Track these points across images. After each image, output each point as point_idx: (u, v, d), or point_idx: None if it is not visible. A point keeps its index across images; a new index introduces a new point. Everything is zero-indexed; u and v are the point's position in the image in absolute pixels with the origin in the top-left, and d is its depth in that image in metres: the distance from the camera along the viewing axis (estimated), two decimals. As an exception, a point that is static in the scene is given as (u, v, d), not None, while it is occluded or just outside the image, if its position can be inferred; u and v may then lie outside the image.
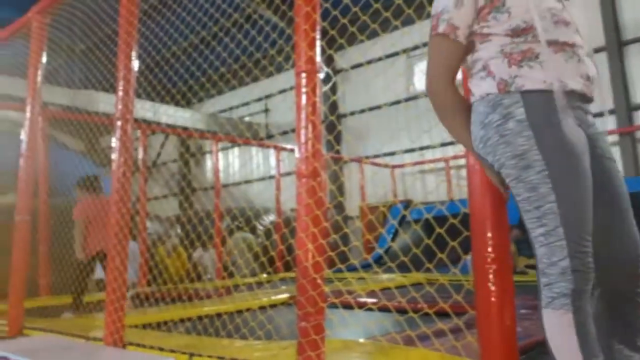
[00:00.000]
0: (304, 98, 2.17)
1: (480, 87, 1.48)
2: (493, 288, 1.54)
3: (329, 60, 10.55)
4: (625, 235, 1.45)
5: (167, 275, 6.72)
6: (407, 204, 9.40)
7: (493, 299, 1.54)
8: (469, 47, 1.52)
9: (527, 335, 2.34)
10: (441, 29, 1.50)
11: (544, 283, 1.36)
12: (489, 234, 1.58)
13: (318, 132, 2.17)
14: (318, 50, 2.23)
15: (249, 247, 7.88)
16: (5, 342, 3.24)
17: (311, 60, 2.19)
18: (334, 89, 11.52)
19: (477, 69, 1.50)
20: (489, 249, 1.56)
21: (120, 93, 3.20)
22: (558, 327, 1.33)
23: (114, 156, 3.15)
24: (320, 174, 2.13)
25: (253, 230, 8.61)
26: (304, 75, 2.19)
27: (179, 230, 8.36)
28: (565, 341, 1.32)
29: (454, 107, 1.54)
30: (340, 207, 10.30)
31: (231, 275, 7.20)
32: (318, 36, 2.23)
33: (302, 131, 2.15)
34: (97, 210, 4.53)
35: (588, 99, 1.48)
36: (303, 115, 2.16)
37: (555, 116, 1.36)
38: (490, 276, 1.55)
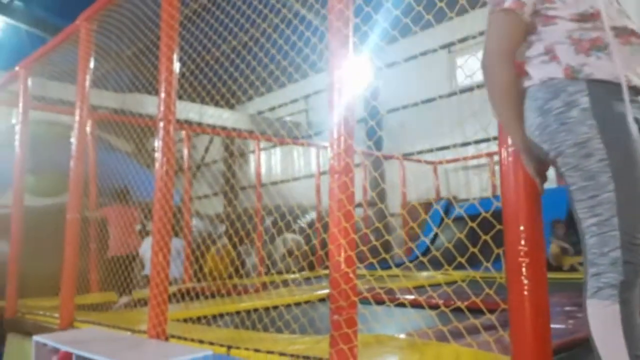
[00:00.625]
0: (336, 94, 2.19)
1: (542, 71, 1.44)
2: (526, 282, 1.51)
3: (368, 58, 10.52)
4: None
5: (215, 273, 6.91)
6: (449, 201, 9.25)
7: (526, 293, 1.50)
8: (529, 28, 1.48)
9: (571, 332, 2.27)
10: (507, 4, 1.45)
11: (592, 273, 1.33)
12: (522, 227, 1.55)
13: (350, 129, 2.18)
14: (351, 46, 2.24)
15: (297, 247, 7.96)
16: (56, 334, 3.41)
17: (344, 57, 2.21)
18: (375, 86, 11.46)
19: (538, 52, 1.46)
20: (522, 242, 1.53)
21: (163, 94, 3.31)
22: (603, 319, 1.30)
23: (157, 155, 3.27)
24: (352, 170, 2.15)
25: (294, 229, 8.68)
26: (336, 72, 2.21)
27: (224, 228, 8.52)
28: (610, 333, 1.29)
29: (508, 87, 1.49)
30: (381, 205, 10.24)
31: (277, 272, 7.31)
32: (351, 33, 2.25)
33: (335, 127, 2.17)
34: (121, 218, 5.16)
35: None
36: (336, 112, 2.18)
37: (619, 108, 1.34)
38: (523, 270, 1.52)
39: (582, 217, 1.36)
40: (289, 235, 8.30)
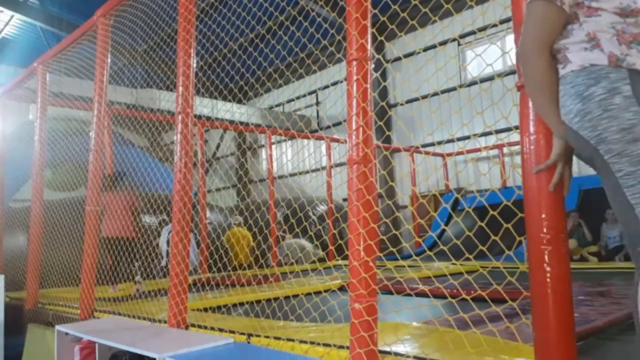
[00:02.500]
0: (355, 86, 2.21)
1: (583, 58, 1.45)
2: (548, 269, 1.52)
3: (379, 49, 10.49)
4: None
5: (233, 253, 7.00)
6: (460, 191, 9.24)
7: (549, 280, 1.51)
8: (569, 19, 1.49)
9: (587, 321, 2.28)
10: None
11: None
12: (544, 215, 1.55)
13: (369, 119, 2.20)
14: (369, 38, 2.26)
15: (305, 256, 7.98)
16: (78, 324, 3.49)
17: (362, 48, 2.22)
18: (384, 78, 11.43)
19: (579, 39, 1.46)
20: (544, 230, 1.54)
21: (181, 88, 3.35)
22: None
23: (175, 149, 3.31)
24: (371, 160, 2.17)
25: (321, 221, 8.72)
26: (355, 63, 2.23)
27: (235, 220, 8.58)
28: None
29: (544, 75, 1.51)
30: (391, 196, 10.25)
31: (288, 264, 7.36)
32: (369, 24, 2.26)
33: (354, 118, 2.19)
34: (107, 204, 5.44)
35: None
36: (354, 103, 2.20)
37: None
38: (546, 257, 1.53)
39: (635, 203, 1.35)
40: (298, 241, 8.32)
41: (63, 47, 5.06)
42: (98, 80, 4.41)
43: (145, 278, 5.00)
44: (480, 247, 1.76)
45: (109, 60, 4.40)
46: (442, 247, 2.03)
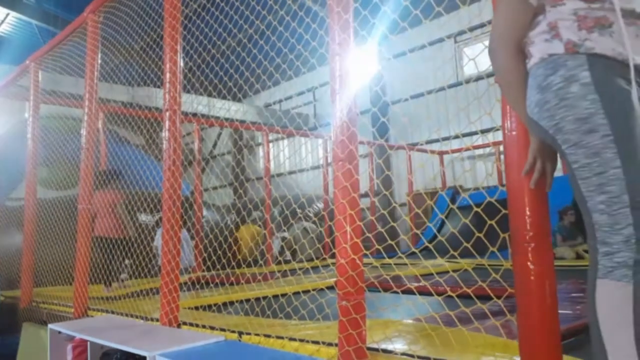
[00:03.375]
0: (338, 81, 2.18)
1: (543, 48, 1.42)
2: (532, 267, 1.51)
3: (375, 47, 10.46)
4: None
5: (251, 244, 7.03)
6: (455, 190, 9.24)
7: (532, 277, 1.50)
8: (537, 11, 1.47)
9: (578, 317, 2.28)
10: None
11: (604, 252, 1.29)
12: (527, 212, 1.55)
13: (353, 116, 2.17)
14: (352, 32, 2.23)
15: (314, 236, 8.02)
16: (71, 322, 3.48)
17: (345, 42, 2.19)
18: (380, 77, 11.42)
19: (541, 31, 1.44)
20: (527, 227, 1.53)
21: (167, 85, 3.33)
22: (613, 300, 1.27)
23: (164, 146, 3.30)
24: (356, 157, 2.14)
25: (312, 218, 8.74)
26: (337, 58, 2.19)
27: (232, 218, 8.59)
28: (618, 316, 1.26)
29: (512, 71, 1.49)
30: (387, 195, 10.26)
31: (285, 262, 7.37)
32: (351, 18, 2.23)
33: (337, 114, 2.16)
34: (99, 202, 5.41)
35: None
36: (337, 99, 2.17)
37: (622, 84, 1.31)
38: (529, 255, 1.52)
39: (587, 196, 1.33)
40: (306, 224, 8.38)
41: (54, 44, 5.04)
42: (88, 78, 4.39)
43: (136, 277, 5.00)
44: (466, 244, 1.75)
45: (99, 57, 4.38)
46: (431, 248, 2.02)
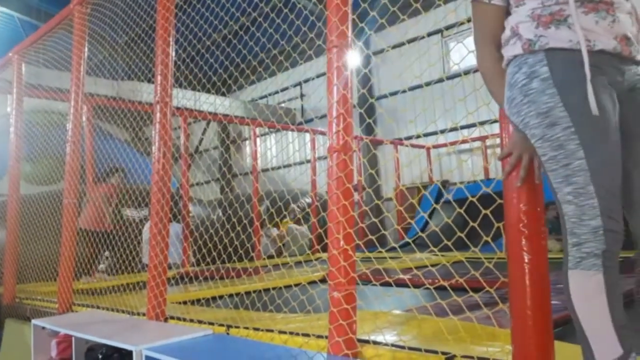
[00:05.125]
0: (335, 73, 2.18)
1: (509, 52, 1.48)
2: (526, 254, 1.51)
3: (365, 42, 10.47)
4: None
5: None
6: (443, 184, 9.29)
7: (526, 265, 1.51)
8: (509, 10, 1.51)
9: (566, 307, 2.29)
10: None
11: (573, 243, 1.32)
12: (522, 204, 1.55)
13: (349, 107, 2.18)
14: (350, 24, 2.23)
15: (303, 238, 8.00)
16: (55, 318, 3.43)
17: (343, 34, 2.20)
18: (370, 70, 11.43)
19: (508, 35, 1.49)
20: (521, 215, 1.53)
21: (159, 77, 3.29)
22: (586, 289, 1.29)
23: (154, 139, 3.25)
24: (351, 148, 2.15)
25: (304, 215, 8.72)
26: (335, 50, 2.20)
27: (220, 214, 8.52)
28: (594, 304, 1.28)
29: (490, 69, 1.55)
30: (375, 189, 10.27)
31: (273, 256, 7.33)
32: (350, 10, 2.23)
33: (334, 106, 2.16)
34: (92, 195, 5.43)
35: (627, 59, 1.41)
36: (335, 90, 2.18)
37: (581, 74, 1.32)
38: (523, 242, 1.52)
39: (556, 187, 1.36)
40: (293, 226, 8.35)
41: (39, 36, 4.94)
42: (75, 70, 4.32)
43: (115, 272, 4.98)
44: (459, 233, 1.75)
45: (86, 49, 4.31)
46: (424, 237, 2.02)
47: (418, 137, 9.47)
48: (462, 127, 9.53)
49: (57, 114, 6.58)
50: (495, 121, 1.70)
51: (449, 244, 1.79)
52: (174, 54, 3.35)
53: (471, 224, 1.73)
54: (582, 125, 1.31)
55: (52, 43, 4.96)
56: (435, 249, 1.91)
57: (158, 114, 3.25)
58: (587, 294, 1.29)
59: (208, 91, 11.41)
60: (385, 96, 10.94)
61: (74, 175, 4.19)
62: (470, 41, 1.63)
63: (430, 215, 8.32)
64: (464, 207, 1.78)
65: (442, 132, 9.87)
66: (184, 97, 10.39)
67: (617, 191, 1.32)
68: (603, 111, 1.31)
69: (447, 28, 10.17)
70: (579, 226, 1.31)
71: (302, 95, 13.66)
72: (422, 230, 7.75)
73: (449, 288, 1.78)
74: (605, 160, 1.30)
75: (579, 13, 1.36)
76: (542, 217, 1.56)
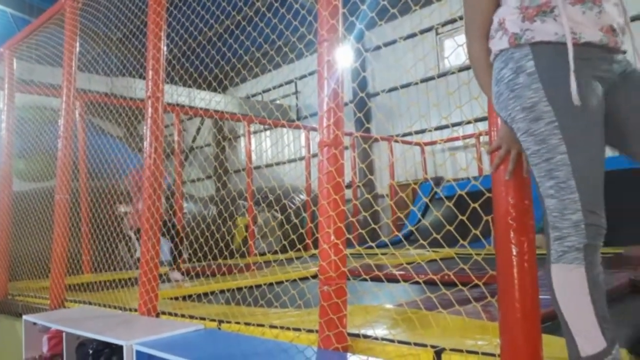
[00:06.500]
0: (325, 67, 2.18)
1: (496, 46, 1.47)
2: (514, 247, 1.51)
3: (359, 40, 10.45)
4: None
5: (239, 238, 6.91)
6: (438, 180, 9.30)
7: (514, 257, 1.51)
8: (498, 3, 1.50)
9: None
10: None
11: (555, 237, 1.32)
12: (510, 197, 1.55)
13: (340, 101, 2.18)
14: (340, 19, 2.23)
15: (279, 225, 7.99)
16: (46, 314, 3.41)
17: (333, 28, 2.19)
18: (363, 67, 11.42)
19: (495, 28, 1.48)
20: (510, 208, 1.53)
21: (150, 72, 3.28)
22: (569, 283, 1.29)
23: (145, 134, 3.24)
24: (342, 142, 2.15)
25: (284, 210, 8.69)
26: (326, 44, 2.20)
27: (213, 211, 8.51)
28: (576, 297, 1.29)
29: (480, 61, 1.54)
30: (370, 185, 10.28)
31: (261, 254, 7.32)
32: (340, 4, 2.23)
33: (325, 100, 2.16)
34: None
35: (613, 50, 1.41)
36: (325, 85, 2.17)
37: (566, 68, 1.32)
38: (511, 235, 1.52)
39: (539, 181, 1.37)
40: (269, 214, 8.33)
41: (30, 31, 4.91)
42: (66, 65, 4.29)
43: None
44: (449, 227, 1.75)
45: (77, 44, 4.28)
46: (415, 233, 2.02)
47: (410, 134, 9.47)
48: (454, 125, 9.56)
49: (50, 110, 6.54)
50: (486, 118, 1.70)
51: (439, 238, 1.79)
52: (165, 49, 3.34)
53: (460, 217, 1.73)
54: (566, 120, 1.31)
55: (44, 38, 4.93)
56: (426, 244, 1.91)
57: (150, 109, 3.24)
58: (570, 287, 1.30)
59: (203, 88, 11.38)
60: (379, 93, 10.95)
61: (66, 171, 4.17)
62: (463, 38, 1.63)
63: (424, 212, 8.33)
64: (452, 202, 1.78)
65: (436, 129, 9.90)
66: (177, 94, 10.35)
67: (600, 185, 1.32)
68: (586, 106, 1.31)
69: (443, 25, 10.17)
70: (561, 220, 1.31)
71: (296, 92, 13.64)
72: (416, 227, 7.76)
73: (438, 282, 1.78)
74: (587, 156, 1.31)
75: (566, 4, 1.35)
76: (530, 210, 1.56)
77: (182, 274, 4.87)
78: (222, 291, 3.32)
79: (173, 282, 4.55)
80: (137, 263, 5.33)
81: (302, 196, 9.08)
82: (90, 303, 3.59)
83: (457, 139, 9.68)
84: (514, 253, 1.50)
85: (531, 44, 1.37)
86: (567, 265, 1.30)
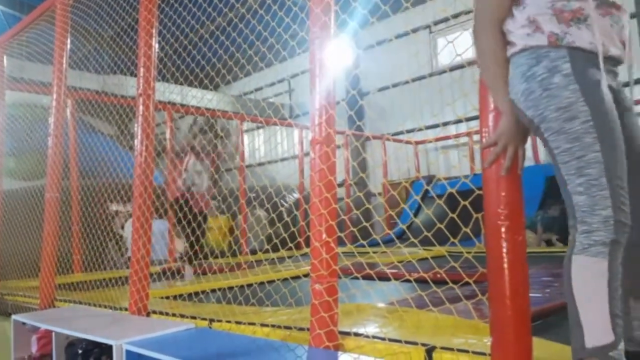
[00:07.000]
0: (318, 65, 2.17)
1: (525, 40, 1.46)
2: (505, 245, 1.50)
3: (354, 39, 10.45)
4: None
5: (213, 242, 6.81)
6: (430, 179, 9.31)
7: (505, 256, 1.50)
8: (516, 1, 1.50)
9: (548, 300, 2.31)
10: None
11: (583, 230, 1.36)
12: (503, 193, 1.54)
13: (332, 99, 2.17)
14: (333, 16, 2.21)
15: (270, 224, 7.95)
16: (36, 313, 3.38)
17: (325, 25, 2.18)
18: (357, 65, 11.40)
19: (521, 24, 1.48)
20: (501, 207, 1.53)
21: (142, 69, 3.25)
22: (589, 274, 1.33)
23: (136, 132, 3.22)
24: (333, 140, 2.14)
25: (275, 208, 8.66)
26: (317, 41, 2.18)
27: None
28: (594, 289, 1.32)
29: (495, 52, 1.53)
30: (362, 184, 10.27)
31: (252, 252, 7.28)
32: (332, 1, 2.22)
33: (317, 98, 2.15)
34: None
35: (620, 62, 1.50)
36: (317, 82, 2.16)
37: (597, 75, 1.39)
38: (503, 233, 1.51)
39: (568, 179, 1.39)
40: (260, 213, 8.30)
41: (21, 28, 4.87)
42: (57, 63, 4.26)
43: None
44: (439, 225, 1.75)
45: (68, 41, 4.25)
46: (407, 232, 2.02)
47: (401, 133, 9.48)
48: (445, 124, 9.58)
49: (41, 108, 6.48)
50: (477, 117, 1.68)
51: (430, 237, 1.79)
52: (157, 46, 3.32)
53: (450, 215, 1.72)
54: (600, 120, 1.36)
55: (34, 35, 4.88)
56: (417, 243, 1.91)
57: (141, 107, 3.22)
58: (589, 278, 1.33)
59: (196, 86, 11.32)
60: (370, 92, 10.94)
61: (57, 170, 4.13)
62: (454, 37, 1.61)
63: (417, 211, 8.34)
64: (444, 200, 1.77)
65: (428, 127, 9.91)
66: (170, 92, 10.29)
67: (625, 184, 1.37)
68: (613, 110, 1.39)
69: (436, 23, 10.19)
70: (591, 215, 1.35)
71: (290, 91, 13.61)
72: (409, 226, 7.77)
73: (429, 280, 1.77)
74: (617, 155, 1.37)
75: (597, 15, 1.40)
76: (522, 208, 1.56)
77: (195, 272, 4.47)
78: (213, 290, 3.30)
79: (186, 279, 4.18)
80: (128, 262, 5.31)
81: (294, 194, 9.07)
82: (80, 302, 3.56)
83: (449, 137, 9.70)
84: (505, 251, 1.50)
85: (568, 47, 1.40)
86: (591, 258, 1.34)
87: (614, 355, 1.29)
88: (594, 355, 1.31)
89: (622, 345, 1.31)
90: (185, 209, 4.06)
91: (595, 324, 1.31)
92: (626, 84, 1.62)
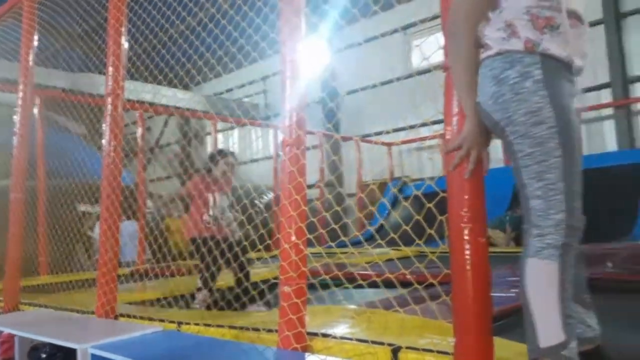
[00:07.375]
0: (288, 67, 2.17)
1: (500, 44, 1.48)
2: (468, 247, 1.53)
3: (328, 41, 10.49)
4: None
5: (173, 246, 6.70)
6: (401, 181, 9.40)
7: (467, 256, 1.53)
8: (494, 4, 1.51)
9: (512, 300, 2.36)
10: None
11: (535, 234, 1.40)
12: (466, 196, 1.57)
13: (302, 102, 2.17)
14: (303, 17, 2.22)
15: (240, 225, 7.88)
16: (-1, 316, 3.29)
17: (296, 27, 2.18)
18: (332, 67, 11.44)
19: (497, 27, 1.49)
20: (465, 209, 1.55)
21: (110, 68, 3.20)
22: (541, 276, 1.37)
23: (104, 132, 3.16)
24: (303, 142, 2.14)
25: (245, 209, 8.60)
26: (288, 43, 2.19)
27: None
28: (545, 291, 1.37)
29: (469, 49, 1.53)
30: (335, 185, 10.31)
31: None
32: (303, 4, 2.22)
33: (287, 100, 2.15)
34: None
35: (580, 73, 1.55)
36: (288, 84, 2.17)
37: (564, 84, 1.44)
38: (466, 235, 1.54)
39: (527, 182, 1.43)
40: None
41: (-15, 24, 4.73)
42: (24, 60, 4.16)
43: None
44: (405, 226, 1.77)
45: (35, 38, 4.15)
46: (375, 234, 2.04)
47: (376, 134, 9.53)
48: (412, 127, 9.65)
49: (6, 107, 6.31)
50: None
51: (397, 238, 1.81)
52: (126, 45, 3.27)
53: (415, 217, 1.75)
54: (563, 127, 1.40)
55: (1, 32, 4.76)
56: (384, 244, 1.93)
57: (109, 106, 3.17)
58: (541, 281, 1.38)
59: (169, 84, 11.18)
60: (347, 93, 10.99)
61: (22, 170, 4.03)
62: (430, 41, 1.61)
63: (388, 212, 8.41)
64: (410, 202, 1.80)
65: (399, 129, 9.99)
66: (142, 91, 10.14)
67: (580, 189, 1.42)
68: (575, 120, 1.45)
69: (410, 26, 10.28)
70: (544, 219, 1.39)
71: (264, 91, 13.57)
72: (380, 226, 7.83)
73: (395, 282, 1.80)
74: (576, 161, 1.42)
75: (567, 25, 1.45)
76: (484, 210, 1.59)
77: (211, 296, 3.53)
78: (182, 295, 3.27)
79: (197, 304, 3.44)
80: (96, 264, 5.21)
81: (265, 196, 9.03)
82: (46, 306, 3.48)
83: (419, 139, 9.78)
84: (468, 252, 1.53)
85: (542, 54, 1.43)
86: (542, 260, 1.38)
87: (565, 353, 1.33)
88: (547, 355, 1.35)
89: (574, 344, 1.35)
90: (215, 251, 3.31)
91: (548, 324, 1.35)
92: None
